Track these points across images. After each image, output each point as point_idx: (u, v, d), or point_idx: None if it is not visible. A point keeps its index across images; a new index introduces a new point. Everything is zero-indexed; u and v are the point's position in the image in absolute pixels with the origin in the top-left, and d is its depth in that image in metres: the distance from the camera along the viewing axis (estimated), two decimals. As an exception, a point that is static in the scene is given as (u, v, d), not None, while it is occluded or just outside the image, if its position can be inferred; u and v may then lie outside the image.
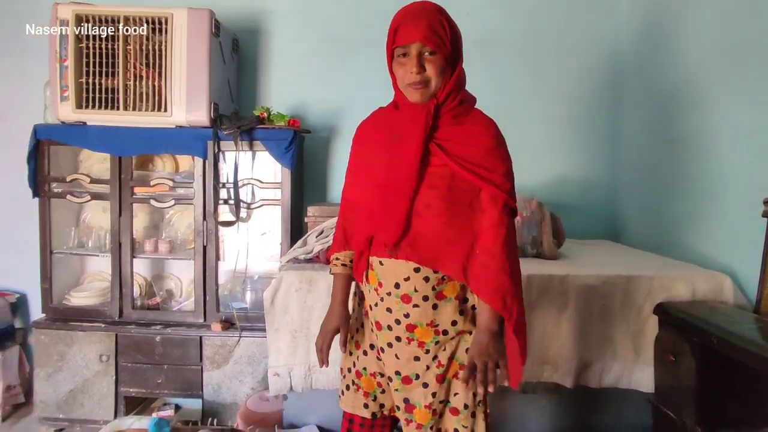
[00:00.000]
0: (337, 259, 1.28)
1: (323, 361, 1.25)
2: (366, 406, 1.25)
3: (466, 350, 1.15)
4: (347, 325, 1.28)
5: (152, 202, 2.40)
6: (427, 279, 1.12)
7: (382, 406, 1.26)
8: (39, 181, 2.38)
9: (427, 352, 1.16)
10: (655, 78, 2.44)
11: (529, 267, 1.86)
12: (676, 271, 1.90)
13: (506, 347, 1.15)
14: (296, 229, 2.44)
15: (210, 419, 2.17)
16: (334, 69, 2.69)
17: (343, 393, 1.30)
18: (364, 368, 1.25)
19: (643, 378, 1.78)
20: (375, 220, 1.14)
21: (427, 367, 1.16)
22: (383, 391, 1.25)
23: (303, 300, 1.79)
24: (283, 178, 2.38)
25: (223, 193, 2.39)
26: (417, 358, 1.16)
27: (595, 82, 2.72)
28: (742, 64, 1.85)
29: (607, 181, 2.75)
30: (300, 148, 2.54)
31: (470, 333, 1.16)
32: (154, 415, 2.31)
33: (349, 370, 1.29)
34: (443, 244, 1.11)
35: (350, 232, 1.25)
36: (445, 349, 1.16)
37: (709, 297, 1.80)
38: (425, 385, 1.17)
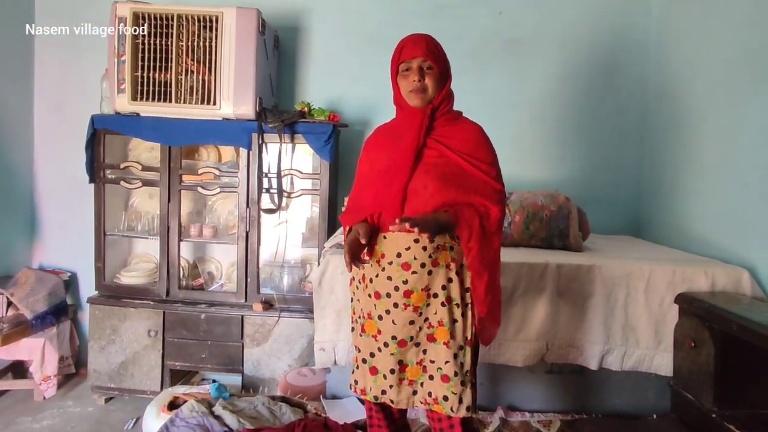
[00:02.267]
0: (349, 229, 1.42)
1: (349, 261, 1.32)
2: (384, 392, 1.37)
3: (454, 322, 1.32)
4: (368, 234, 1.35)
5: (199, 189, 2.56)
6: (424, 248, 1.30)
7: (383, 392, 1.36)
8: (95, 168, 2.55)
9: (420, 314, 1.32)
10: (681, 76, 2.53)
11: (557, 257, 1.99)
12: (697, 264, 2.01)
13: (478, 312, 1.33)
14: (333, 218, 2.58)
15: (260, 389, 2.33)
16: (370, 66, 2.82)
17: (353, 372, 1.46)
18: (372, 354, 1.39)
19: (662, 363, 1.90)
20: (379, 200, 1.33)
21: (420, 329, 1.33)
22: (385, 377, 1.35)
23: (347, 282, 1.92)
24: (322, 169, 2.52)
25: (264, 183, 2.54)
26: (411, 322, 1.32)
27: (622, 79, 2.82)
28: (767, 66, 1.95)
29: (631, 178, 2.85)
30: (336, 141, 2.68)
31: (457, 303, 1.32)
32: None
33: (359, 350, 1.44)
34: None
35: (358, 212, 1.41)
36: (436, 313, 1.32)
37: (728, 289, 1.91)
38: (417, 345, 1.33)
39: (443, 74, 1.37)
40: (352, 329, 1.49)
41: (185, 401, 1.67)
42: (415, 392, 1.34)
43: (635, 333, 1.92)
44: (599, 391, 2.01)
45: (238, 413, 1.58)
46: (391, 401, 1.33)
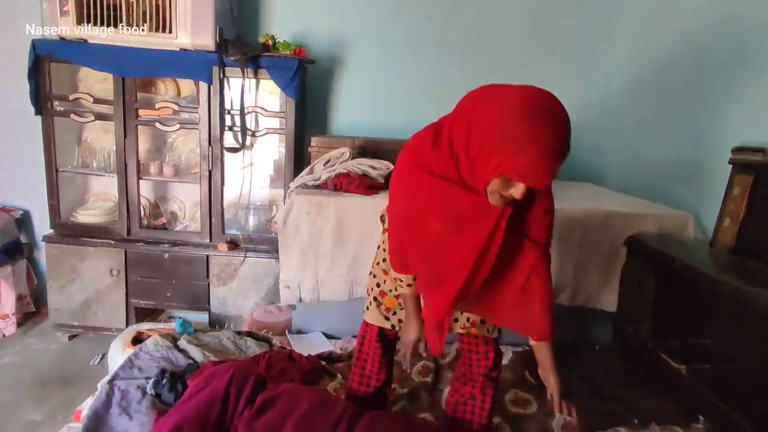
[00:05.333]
0: (400, 281, 1.28)
1: (408, 365, 1.35)
2: (387, 318, 1.40)
3: None
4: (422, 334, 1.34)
5: (157, 125, 2.44)
6: None
7: (400, 321, 1.41)
8: (41, 99, 2.37)
9: None
10: (652, 26, 2.53)
11: (518, 201, 2.04)
12: (648, 209, 2.11)
13: None
14: (299, 158, 2.54)
15: (225, 326, 2.37)
16: (339, -2, 2.67)
17: (367, 308, 1.43)
18: (390, 290, 1.39)
19: (609, 300, 2.04)
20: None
21: None
22: (402, 308, 1.40)
23: (313, 222, 1.93)
24: (288, 107, 2.43)
25: (227, 120, 2.44)
26: None
27: (590, 27, 2.79)
28: (742, 33, 1.96)
29: (595, 126, 2.90)
30: (303, 78, 2.58)
31: None
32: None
33: (372, 290, 1.42)
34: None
35: (408, 262, 1.23)
36: None
37: (674, 233, 2.03)
38: None
39: None
40: (370, 273, 1.44)
41: (149, 336, 1.69)
42: (456, 320, 1.35)
43: (587, 271, 2.04)
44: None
45: (203, 347, 1.61)
46: None
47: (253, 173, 2.55)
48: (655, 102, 2.49)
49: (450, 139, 1.02)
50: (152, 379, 1.40)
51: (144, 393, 1.37)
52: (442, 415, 1.53)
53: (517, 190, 0.94)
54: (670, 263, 1.71)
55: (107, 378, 1.44)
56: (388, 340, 1.44)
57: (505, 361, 1.90)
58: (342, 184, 2.04)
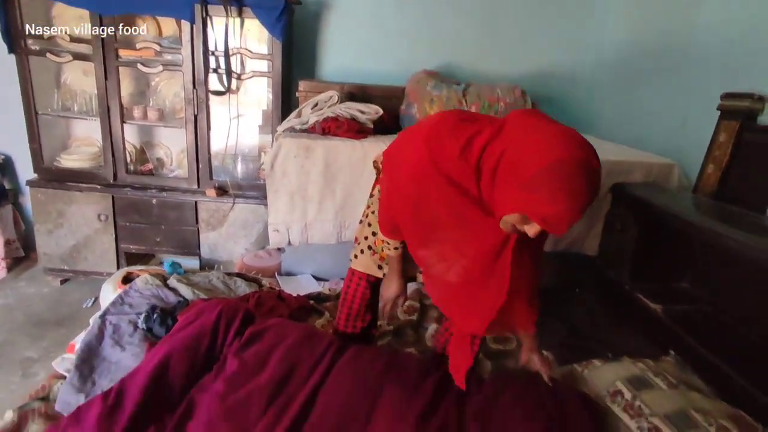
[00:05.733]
0: (388, 243, 1.28)
1: (386, 318, 1.40)
2: (380, 267, 1.42)
3: None
4: (405, 292, 1.39)
5: (139, 66, 2.36)
6: None
7: None
8: (13, 35, 2.27)
9: None
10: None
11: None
12: (634, 158, 2.12)
13: None
14: (287, 102, 2.49)
15: (216, 267, 2.41)
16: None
17: (356, 256, 1.45)
18: (385, 240, 1.38)
19: (592, 245, 2.09)
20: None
21: None
22: None
23: (300, 165, 1.92)
24: (274, 49, 2.35)
25: (211, 62, 2.37)
26: None
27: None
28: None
29: (588, 76, 2.86)
30: (290, 19, 2.48)
31: None
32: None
33: (366, 238, 1.43)
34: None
35: (401, 232, 1.21)
36: None
37: (659, 180, 2.06)
38: None
39: None
40: (361, 221, 1.46)
41: (139, 276, 1.71)
42: None
43: (571, 219, 2.07)
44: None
45: (193, 286, 1.64)
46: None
47: (240, 119, 2.51)
48: (648, 52, 2.45)
49: (482, 151, 0.95)
50: (143, 314, 1.43)
51: (135, 327, 1.40)
52: (426, 350, 1.60)
53: (532, 229, 0.91)
54: (651, 208, 1.74)
55: (99, 313, 1.47)
56: (375, 286, 1.47)
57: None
58: (330, 127, 2.01)
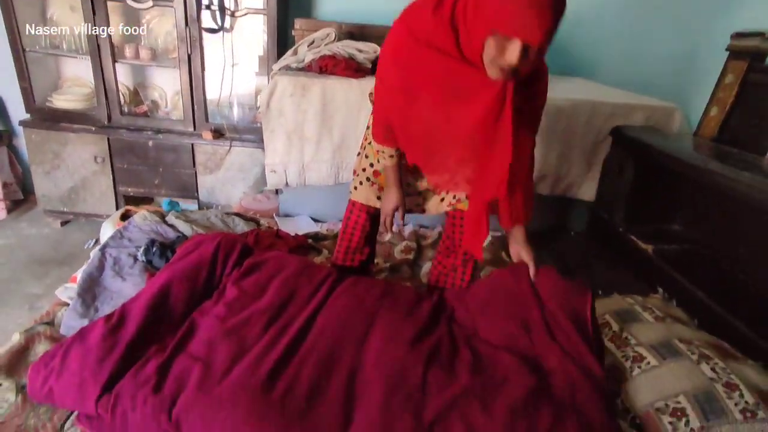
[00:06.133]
0: (383, 152, 1.29)
1: (389, 231, 1.40)
2: (378, 198, 1.42)
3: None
4: (404, 203, 1.38)
5: (128, 1, 2.26)
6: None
7: None
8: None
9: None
10: None
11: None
12: (637, 101, 2.09)
13: None
14: (282, 41, 2.41)
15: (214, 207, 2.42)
16: None
17: (356, 188, 1.45)
18: (383, 168, 1.39)
19: (588, 189, 2.10)
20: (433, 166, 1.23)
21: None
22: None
23: (297, 104, 1.89)
24: (268, -16, 2.25)
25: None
26: None
27: None
28: None
29: (592, 18, 2.75)
30: (285, -49, 2.36)
31: None
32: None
33: (364, 170, 1.42)
34: None
35: (396, 135, 1.23)
36: None
37: (659, 125, 2.04)
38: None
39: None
40: (359, 154, 1.46)
41: (137, 212, 1.72)
42: (442, 200, 1.41)
43: (569, 162, 2.06)
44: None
45: (191, 222, 1.66)
46: (423, 210, 1.44)
47: (236, 64, 2.43)
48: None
49: (453, 6, 0.97)
50: (142, 247, 1.45)
51: (135, 259, 1.43)
52: (421, 285, 1.64)
53: (512, 53, 0.88)
54: (649, 150, 1.74)
55: (98, 247, 1.50)
56: (374, 218, 1.49)
57: (484, 245, 2.00)
58: (327, 66, 1.96)
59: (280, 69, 2.01)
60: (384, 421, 0.91)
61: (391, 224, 1.39)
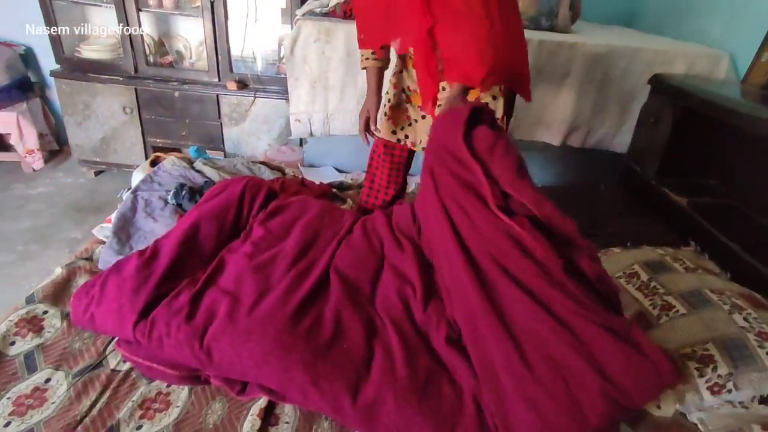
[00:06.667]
0: (362, 55, 1.38)
1: (366, 141, 1.45)
2: (394, 132, 1.44)
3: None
4: (376, 109, 1.43)
5: (150, -55, 2.22)
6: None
7: (407, 136, 1.45)
8: None
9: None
10: None
11: (541, 35, 1.91)
12: (680, 48, 1.96)
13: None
14: (307, -12, 2.33)
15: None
16: None
17: (378, 129, 1.47)
18: (398, 103, 1.41)
19: (622, 141, 2.02)
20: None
21: None
22: (410, 125, 1.44)
23: (321, 51, 1.85)
24: (292, -76, 2.16)
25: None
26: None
27: None
28: None
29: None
30: None
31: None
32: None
33: (383, 105, 1.44)
34: None
35: (359, 23, 1.33)
36: None
37: (704, 73, 1.91)
38: None
39: None
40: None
41: (166, 158, 1.75)
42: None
43: (603, 112, 1.98)
44: (558, 168, 2.18)
45: (218, 169, 1.68)
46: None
47: (258, 15, 2.38)
48: None
49: None
50: (172, 191, 1.48)
51: (165, 202, 1.47)
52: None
53: None
54: (691, 99, 1.64)
55: (130, 190, 1.54)
56: (396, 155, 1.48)
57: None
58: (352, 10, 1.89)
59: (304, 14, 1.96)
60: (406, 354, 0.94)
61: (363, 126, 1.43)
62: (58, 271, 1.23)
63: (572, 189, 2.02)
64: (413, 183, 1.94)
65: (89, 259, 1.31)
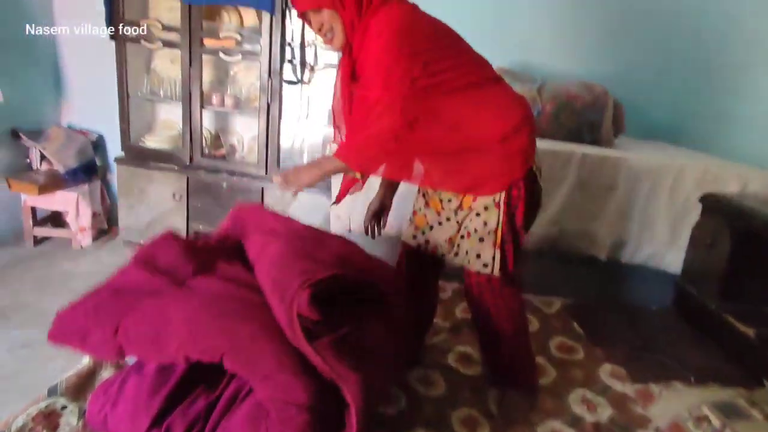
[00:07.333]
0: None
1: (372, 236, 1.47)
2: (414, 237, 1.40)
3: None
4: (382, 208, 1.47)
5: (221, 54, 2.48)
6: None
7: (427, 241, 1.38)
8: (114, 22, 2.47)
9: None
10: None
11: (584, 148, 1.92)
12: (731, 167, 1.92)
13: None
14: (356, 95, 2.50)
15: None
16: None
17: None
18: (419, 208, 1.40)
19: (674, 260, 1.90)
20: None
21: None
22: (431, 228, 1.38)
23: (366, 154, 1.91)
24: (348, 41, 2.38)
25: (287, 53, 2.44)
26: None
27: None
28: None
29: (675, 80, 2.63)
30: (365, 12, 2.50)
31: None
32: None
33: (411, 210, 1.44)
34: None
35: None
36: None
37: (759, 194, 1.84)
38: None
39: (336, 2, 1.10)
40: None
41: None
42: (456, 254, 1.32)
43: (652, 228, 1.90)
44: (604, 282, 2.05)
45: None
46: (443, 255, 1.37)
47: (309, 112, 2.56)
48: (748, 45, 2.20)
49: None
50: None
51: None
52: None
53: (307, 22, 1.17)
54: (751, 221, 1.56)
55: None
56: (416, 259, 1.41)
57: (551, 311, 1.85)
58: (398, 118, 1.99)
59: (352, 119, 2.07)
60: None
61: (370, 230, 1.44)
62: (85, 361, 1.21)
63: (620, 307, 1.89)
64: (449, 289, 1.87)
65: (116, 351, 1.28)
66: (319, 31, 1.16)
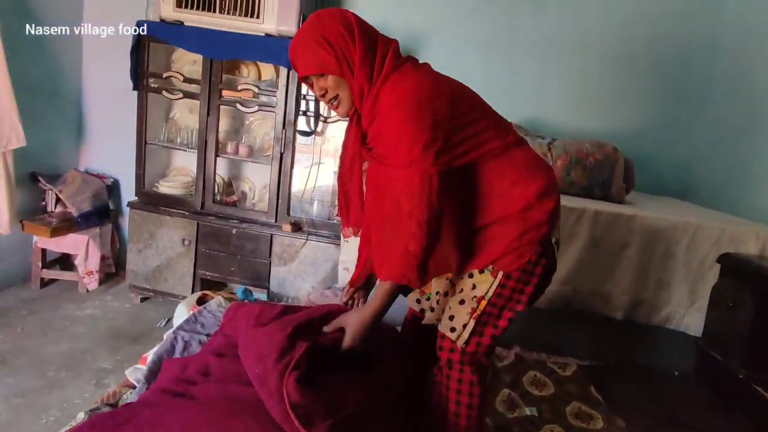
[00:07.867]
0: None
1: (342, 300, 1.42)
2: (418, 301, 1.34)
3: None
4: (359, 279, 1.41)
5: (238, 106, 2.55)
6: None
7: (432, 308, 1.27)
8: (139, 75, 2.57)
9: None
10: (758, 34, 2.29)
11: (596, 204, 1.91)
12: (749, 227, 1.89)
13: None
14: (368, 147, 2.54)
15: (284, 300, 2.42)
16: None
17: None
18: None
19: (693, 322, 1.84)
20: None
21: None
22: (438, 299, 1.26)
23: (377, 206, 1.91)
24: (361, 95, 2.45)
25: (302, 105, 2.51)
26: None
27: (692, 32, 2.57)
28: None
29: (686, 138, 2.66)
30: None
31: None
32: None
33: None
34: None
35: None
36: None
37: (779, 255, 1.80)
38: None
39: (344, 65, 1.04)
40: None
41: (213, 298, 1.75)
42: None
43: (669, 289, 1.85)
44: (620, 343, 1.98)
45: (261, 315, 1.64)
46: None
47: (322, 160, 2.60)
48: (762, 102, 2.23)
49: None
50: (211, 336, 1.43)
51: (203, 349, 1.41)
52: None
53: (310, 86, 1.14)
54: (774, 285, 1.51)
55: (173, 329, 1.51)
56: (418, 325, 1.32)
57: (567, 373, 1.77)
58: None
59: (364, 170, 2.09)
60: None
61: (348, 297, 1.39)
62: (80, 417, 1.15)
63: (640, 370, 1.81)
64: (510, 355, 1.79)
65: (114, 405, 1.23)
66: (322, 96, 1.10)
